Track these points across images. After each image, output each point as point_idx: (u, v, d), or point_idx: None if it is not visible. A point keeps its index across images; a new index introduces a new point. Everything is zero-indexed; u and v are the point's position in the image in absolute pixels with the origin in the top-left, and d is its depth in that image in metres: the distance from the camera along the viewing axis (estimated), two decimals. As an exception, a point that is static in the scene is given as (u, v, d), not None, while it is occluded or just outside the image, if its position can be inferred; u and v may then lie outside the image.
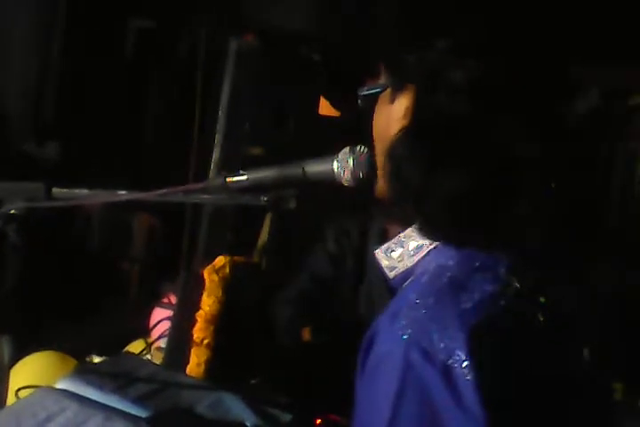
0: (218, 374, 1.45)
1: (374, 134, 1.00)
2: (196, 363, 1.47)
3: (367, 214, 1.85)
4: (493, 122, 0.85)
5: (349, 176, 1.14)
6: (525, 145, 0.85)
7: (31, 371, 1.54)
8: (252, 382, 1.50)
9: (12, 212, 1.21)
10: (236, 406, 1.29)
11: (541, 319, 0.85)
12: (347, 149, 1.14)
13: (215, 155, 2.49)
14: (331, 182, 1.18)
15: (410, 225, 0.98)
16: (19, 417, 1.10)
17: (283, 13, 2.81)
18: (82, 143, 3.00)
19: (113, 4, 3.20)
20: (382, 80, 0.97)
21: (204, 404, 1.28)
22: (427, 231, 0.90)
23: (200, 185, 1.27)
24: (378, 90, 0.97)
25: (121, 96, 3.22)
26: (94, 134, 3.03)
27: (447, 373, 0.77)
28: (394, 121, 0.93)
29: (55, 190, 1.26)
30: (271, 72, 2.80)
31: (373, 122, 1.00)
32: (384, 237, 1.70)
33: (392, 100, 0.94)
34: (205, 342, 1.48)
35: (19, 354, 1.48)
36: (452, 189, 0.85)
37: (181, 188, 1.25)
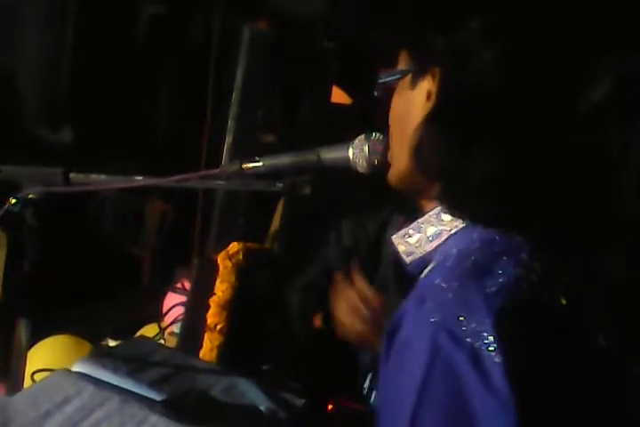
0: (231, 358, 1.46)
1: (392, 121, 1.01)
2: (209, 348, 1.48)
3: (386, 206, 1.85)
4: (523, 100, 0.85)
5: (364, 163, 1.14)
6: (552, 125, 0.86)
7: (47, 354, 1.56)
8: (265, 366, 1.52)
9: (30, 196, 1.22)
10: (249, 391, 1.30)
11: (563, 303, 0.85)
12: (362, 136, 1.15)
13: (227, 141, 2.49)
14: (346, 169, 1.19)
15: (419, 213, 0.99)
16: (36, 399, 1.11)
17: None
18: (95, 129, 3.00)
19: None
20: (402, 66, 0.97)
21: (217, 388, 1.29)
22: (458, 212, 0.90)
23: (216, 171, 1.27)
24: (398, 76, 0.97)
25: (134, 82, 3.22)
26: (107, 120, 3.04)
27: (475, 355, 0.77)
28: (416, 106, 0.93)
29: (72, 175, 1.27)
30: (284, 59, 2.80)
31: (391, 109, 1.00)
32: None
33: (413, 86, 0.94)
34: (219, 327, 1.49)
35: (35, 338, 1.50)
36: (486, 168, 0.85)
37: (197, 173, 1.26)
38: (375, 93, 1.03)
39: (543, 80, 0.86)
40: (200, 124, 2.86)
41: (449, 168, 0.88)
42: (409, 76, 0.96)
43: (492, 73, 0.85)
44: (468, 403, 0.77)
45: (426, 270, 0.93)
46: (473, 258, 0.85)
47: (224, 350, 1.46)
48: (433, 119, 0.90)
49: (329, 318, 1.75)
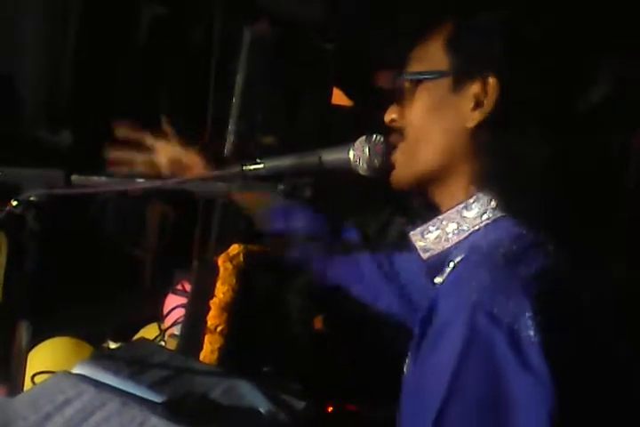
0: (231, 361, 1.46)
1: (416, 122, 1.00)
2: (209, 350, 1.48)
3: (387, 207, 1.85)
4: (561, 104, 0.90)
5: (365, 165, 1.14)
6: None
7: (47, 356, 1.56)
8: (266, 368, 1.52)
9: (32, 198, 1.22)
10: (249, 393, 1.30)
11: (586, 295, 0.87)
12: (363, 138, 1.15)
13: (228, 143, 2.49)
14: (347, 171, 1.19)
15: (426, 212, 0.99)
16: (36, 401, 1.11)
17: (297, 1, 2.80)
18: (96, 130, 3.00)
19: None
20: (438, 65, 0.97)
21: (218, 390, 1.29)
22: (510, 209, 0.92)
23: (217, 173, 1.27)
24: (434, 76, 0.97)
25: (135, 84, 3.22)
26: (109, 122, 3.03)
27: (513, 335, 0.79)
28: (458, 111, 0.94)
29: (74, 177, 1.27)
30: (284, 61, 2.80)
31: (412, 111, 1.00)
32: (403, 233, 1.70)
33: (456, 90, 0.95)
34: (219, 329, 1.49)
35: (36, 340, 1.49)
36: (539, 170, 0.89)
37: (198, 175, 1.26)
38: (395, 89, 1.03)
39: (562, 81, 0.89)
40: (201, 125, 2.86)
41: (507, 172, 0.91)
42: (448, 78, 0.95)
43: (542, 80, 0.90)
44: (504, 381, 0.79)
45: (452, 263, 0.95)
46: (502, 251, 0.87)
47: (224, 353, 1.46)
48: (490, 127, 0.92)
49: (329, 320, 1.76)
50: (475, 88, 0.93)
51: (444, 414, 0.81)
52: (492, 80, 0.92)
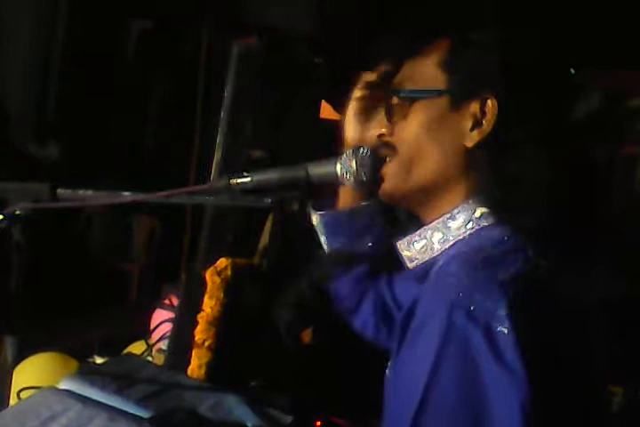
0: (219, 375, 1.45)
1: (407, 139, 1.00)
2: (197, 364, 1.47)
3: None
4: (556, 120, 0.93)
5: (352, 178, 1.14)
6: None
7: (34, 372, 1.54)
8: (253, 383, 1.51)
9: (18, 212, 1.22)
10: (237, 408, 1.30)
11: (563, 295, 0.90)
12: (350, 152, 1.15)
13: (216, 157, 2.49)
14: (334, 184, 1.19)
15: (413, 223, 1.00)
16: (22, 417, 1.10)
17: (285, 16, 2.81)
18: (83, 144, 3.00)
19: (115, 5, 3.21)
20: (433, 83, 0.97)
21: (205, 405, 1.29)
22: (505, 217, 0.94)
23: (204, 186, 1.27)
24: (432, 95, 0.97)
25: (123, 97, 3.22)
26: (96, 135, 3.04)
27: (489, 332, 0.82)
28: (455, 130, 0.96)
29: (60, 191, 1.26)
30: (273, 74, 2.80)
31: (406, 128, 1.00)
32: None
33: (454, 108, 0.96)
34: (207, 343, 1.48)
35: (21, 355, 1.48)
36: (536, 183, 0.92)
37: (185, 189, 1.25)
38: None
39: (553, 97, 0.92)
40: (189, 139, 2.87)
41: (499, 185, 0.93)
42: (445, 96, 0.96)
43: (537, 98, 0.92)
44: (480, 376, 0.81)
45: (435, 267, 0.97)
46: (483, 255, 0.90)
47: (212, 367, 1.45)
48: (487, 145, 0.94)
49: (318, 333, 1.75)
50: (473, 108, 0.94)
51: (422, 409, 0.83)
52: (490, 101, 0.93)
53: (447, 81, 0.96)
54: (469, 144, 0.95)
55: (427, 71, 0.98)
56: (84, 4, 3.15)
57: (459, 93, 0.95)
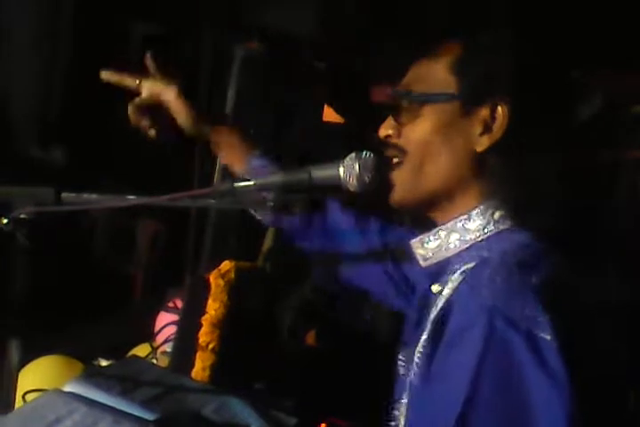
0: (223, 378, 1.46)
1: (417, 145, 1.00)
2: (201, 367, 1.48)
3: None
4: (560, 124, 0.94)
5: (355, 181, 1.15)
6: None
7: (39, 374, 1.55)
8: (257, 385, 1.51)
9: (22, 216, 1.22)
10: (241, 410, 1.30)
11: (589, 303, 0.90)
12: (353, 155, 1.15)
13: (220, 160, 2.49)
14: (336, 188, 1.19)
15: (422, 226, 1.01)
16: (27, 420, 1.11)
17: (288, 20, 2.82)
18: (86, 148, 3.01)
19: (117, 10, 3.21)
20: (443, 88, 0.97)
21: (209, 408, 1.29)
22: (513, 219, 0.95)
23: (207, 190, 1.28)
24: (442, 98, 0.97)
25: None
26: (98, 139, 3.04)
27: (531, 338, 0.81)
28: (466, 135, 0.96)
29: (64, 195, 1.27)
30: (275, 78, 2.81)
31: (415, 132, 1.00)
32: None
33: (465, 113, 0.96)
34: (211, 346, 1.49)
35: (27, 358, 1.49)
36: (551, 187, 0.93)
37: (189, 193, 1.26)
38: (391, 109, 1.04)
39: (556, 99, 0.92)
40: (192, 143, 2.87)
41: (513, 189, 0.94)
42: (456, 103, 0.96)
43: (548, 102, 0.93)
44: (524, 383, 0.81)
45: (457, 273, 0.96)
46: (516, 258, 0.90)
47: (216, 370, 1.46)
48: (498, 150, 0.94)
49: (322, 335, 1.76)
50: (483, 113, 0.95)
51: (465, 416, 0.82)
52: (500, 107, 0.93)
53: (458, 85, 0.96)
54: (479, 149, 0.95)
55: (437, 74, 0.98)
56: (87, 8, 3.16)
57: (469, 98, 0.95)
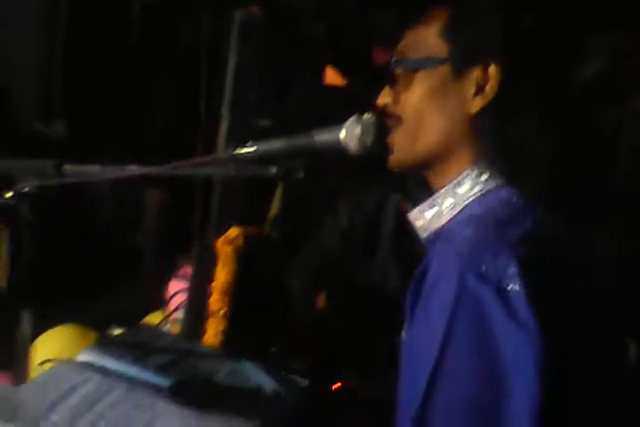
0: (235, 343, 1.48)
1: (412, 109, 1.01)
2: (213, 333, 1.50)
3: (385, 187, 1.86)
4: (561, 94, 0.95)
5: (357, 144, 1.15)
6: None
7: (53, 344, 1.57)
8: (269, 349, 1.53)
9: (25, 189, 1.23)
10: (254, 374, 1.32)
11: (569, 252, 0.92)
12: (354, 118, 1.15)
13: (222, 128, 2.48)
14: (339, 151, 1.19)
15: (426, 190, 1.01)
16: (43, 389, 1.13)
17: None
18: (88, 120, 3.00)
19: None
20: (434, 53, 0.98)
21: (222, 372, 1.31)
22: (508, 178, 0.96)
23: (209, 158, 1.28)
24: (433, 63, 0.98)
25: (126, 71, 3.21)
26: (100, 110, 3.04)
27: (501, 290, 0.83)
28: (458, 98, 0.96)
29: (66, 167, 1.27)
30: (276, 43, 2.78)
31: (409, 96, 1.01)
32: (401, 211, 1.71)
33: (456, 77, 0.96)
34: (221, 312, 1.51)
35: (41, 328, 1.51)
36: (544, 149, 0.94)
37: (190, 161, 1.26)
38: (381, 74, 1.04)
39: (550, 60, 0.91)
40: (194, 112, 2.86)
41: (504, 149, 0.95)
42: (447, 65, 0.97)
43: (540, 62, 0.93)
44: (493, 332, 0.82)
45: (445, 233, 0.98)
46: (493, 216, 0.92)
47: (227, 335, 1.48)
48: (491, 111, 0.95)
49: (332, 297, 1.77)
50: (475, 74, 0.95)
51: (438, 369, 0.84)
52: (492, 66, 0.93)
53: (448, 49, 0.97)
54: (473, 110, 0.96)
55: (428, 40, 0.99)
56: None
57: (460, 61, 0.96)
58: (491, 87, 0.94)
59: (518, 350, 0.82)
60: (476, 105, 0.95)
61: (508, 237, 0.88)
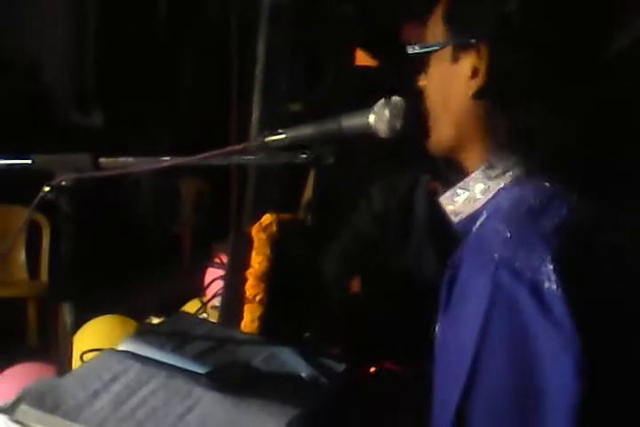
0: (271, 328, 1.49)
1: (432, 91, 1.02)
2: (249, 319, 1.51)
3: (415, 170, 1.85)
4: (570, 77, 0.90)
5: (386, 128, 1.14)
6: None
7: (94, 335, 1.61)
8: (305, 334, 1.54)
9: (63, 183, 1.25)
10: (290, 359, 1.33)
11: (613, 241, 0.88)
12: (382, 101, 1.14)
13: (255, 114, 2.50)
14: (369, 135, 1.19)
15: (460, 173, 1.00)
16: (84, 379, 1.15)
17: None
18: (123, 110, 3.03)
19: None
20: (441, 38, 0.98)
21: (259, 358, 1.32)
22: (528, 170, 0.93)
23: (240, 147, 1.28)
24: (435, 48, 0.98)
25: (158, 61, 3.24)
26: (135, 100, 3.07)
27: (536, 289, 0.80)
28: (458, 81, 0.96)
29: (102, 160, 1.29)
30: (306, 26, 2.78)
31: (429, 78, 1.02)
32: (431, 192, 1.70)
33: (455, 60, 0.96)
34: (258, 298, 1.52)
35: (82, 319, 1.54)
36: (551, 133, 0.90)
37: (222, 151, 1.26)
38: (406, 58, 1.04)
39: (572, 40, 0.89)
40: (226, 98, 2.87)
41: (519, 134, 0.92)
42: (448, 49, 0.97)
43: (536, 45, 0.89)
44: (530, 336, 0.80)
45: (477, 223, 0.95)
46: (527, 204, 0.88)
47: (264, 321, 1.49)
48: (486, 96, 0.93)
49: (366, 282, 1.77)
50: (471, 57, 0.94)
51: (474, 371, 0.82)
52: (482, 48, 0.92)
53: (445, 33, 0.97)
54: (470, 93, 0.94)
55: (434, 25, 1.00)
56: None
57: (456, 44, 0.95)
58: (482, 70, 0.93)
59: (555, 351, 0.79)
60: (472, 87, 0.94)
61: (542, 229, 0.85)
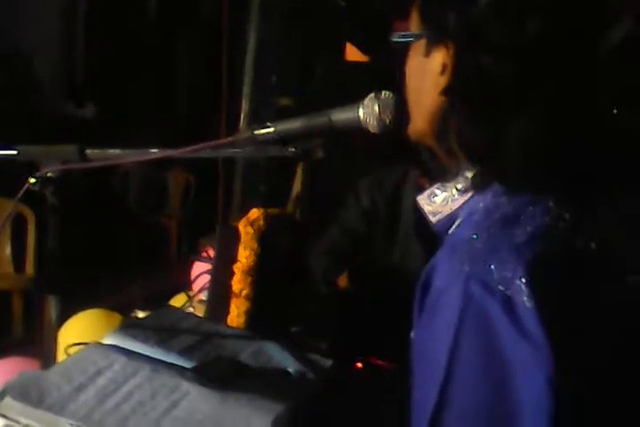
0: (258, 323, 1.49)
1: (408, 81, 1.00)
2: (236, 314, 1.51)
3: (402, 165, 1.84)
4: (537, 81, 0.86)
5: (375, 122, 1.14)
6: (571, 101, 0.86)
7: (79, 328, 1.59)
8: (292, 329, 1.54)
9: (49, 175, 1.24)
10: (277, 354, 1.33)
11: (594, 248, 0.85)
12: (372, 95, 1.14)
13: (244, 108, 2.49)
14: (358, 130, 1.18)
15: (442, 169, 0.99)
16: (69, 373, 1.14)
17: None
18: (114, 102, 3.02)
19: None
20: (417, 29, 0.96)
21: (246, 353, 1.32)
22: (490, 178, 0.90)
23: (228, 140, 1.27)
24: (411, 39, 0.97)
25: (149, 53, 3.22)
26: (125, 93, 3.05)
27: (507, 302, 0.78)
28: (429, 76, 0.93)
29: (89, 151, 1.28)
30: (297, 21, 2.77)
31: (407, 68, 0.99)
32: (419, 187, 1.70)
33: (427, 54, 0.93)
34: (244, 293, 1.51)
35: (67, 313, 1.53)
36: (519, 135, 0.86)
37: (210, 143, 1.26)
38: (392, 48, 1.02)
39: (557, 60, 0.86)
40: (216, 91, 2.86)
41: (477, 141, 0.89)
42: (424, 41, 0.94)
43: (505, 52, 0.86)
44: (501, 349, 0.78)
45: (453, 226, 0.94)
46: (501, 210, 0.86)
47: (251, 316, 1.49)
48: (452, 94, 0.90)
49: (354, 277, 1.77)
50: (442, 53, 0.91)
51: (447, 383, 0.81)
52: (450, 45, 0.90)
53: (420, 25, 0.95)
54: (438, 89, 0.91)
55: (413, 17, 0.97)
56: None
57: (427, 37, 0.93)
58: (449, 68, 0.90)
59: (527, 365, 0.78)
60: (440, 84, 0.91)
61: (515, 238, 0.82)
